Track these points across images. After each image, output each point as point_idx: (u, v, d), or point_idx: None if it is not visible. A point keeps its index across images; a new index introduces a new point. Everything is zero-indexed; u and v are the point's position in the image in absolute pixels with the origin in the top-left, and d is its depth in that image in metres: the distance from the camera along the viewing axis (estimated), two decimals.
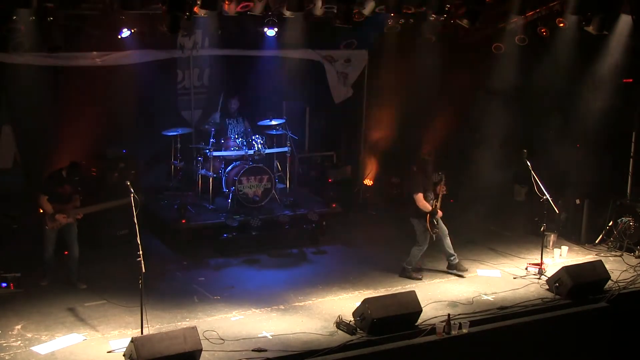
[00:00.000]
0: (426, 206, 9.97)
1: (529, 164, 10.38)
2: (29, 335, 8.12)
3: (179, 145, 12.15)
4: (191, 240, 11.04)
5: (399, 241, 11.60)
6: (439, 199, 10.04)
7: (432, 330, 8.41)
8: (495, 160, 12.80)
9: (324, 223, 11.72)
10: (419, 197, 9.97)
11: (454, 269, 10.37)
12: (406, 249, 11.06)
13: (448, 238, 10.31)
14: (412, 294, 8.71)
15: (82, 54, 11.24)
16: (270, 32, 11.64)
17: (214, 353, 7.80)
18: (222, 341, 8.03)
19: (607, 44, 11.78)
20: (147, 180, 12.06)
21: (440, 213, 10.08)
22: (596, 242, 11.62)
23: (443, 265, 10.61)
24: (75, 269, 9.54)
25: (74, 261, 9.52)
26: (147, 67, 11.83)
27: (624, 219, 11.32)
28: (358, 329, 8.37)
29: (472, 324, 8.60)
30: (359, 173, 14.07)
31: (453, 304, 9.23)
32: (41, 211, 9.31)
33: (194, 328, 7.67)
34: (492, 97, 13.03)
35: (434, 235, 10.08)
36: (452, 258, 10.37)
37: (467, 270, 10.38)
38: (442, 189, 10.07)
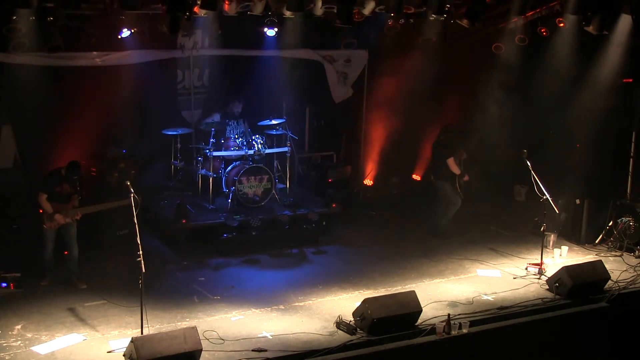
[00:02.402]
0: (456, 169, 11.40)
1: (529, 164, 10.38)
2: (29, 335, 8.11)
3: (179, 145, 12.13)
4: (191, 240, 11.04)
5: (399, 241, 11.62)
6: (462, 164, 11.57)
7: (432, 330, 8.41)
8: (495, 159, 12.80)
9: (324, 223, 11.69)
10: (452, 161, 11.37)
11: (440, 233, 11.65)
12: (406, 249, 11.11)
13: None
14: (412, 294, 8.70)
15: (82, 54, 11.20)
16: (270, 32, 11.65)
17: (214, 353, 7.79)
18: (222, 341, 8.03)
19: (607, 44, 11.78)
20: (147, 180, 12.05)
21: (466, 177, 11.53)
22: (596, 242, 11.60)
23: (443, 265, 10.62)
24: (76, 269, 9.53)
25: (74, 261, 9.51)
26: (147, 67, 11.80)
27: (624, 219, 11.29)
28: (358, 329, 8.36)
29: (472, 324, 8.59)
30: (359, 173, 14.06)
31: (453, 304, 9.21)
32: (40, 211, 9.32)
33: (194, 328, 7.67)
34: (492, 97, 13.02)
35: (461, 194, 11.47)
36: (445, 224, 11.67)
37: (450, 236, 11.52)
38: (462, 155, 11.60)
